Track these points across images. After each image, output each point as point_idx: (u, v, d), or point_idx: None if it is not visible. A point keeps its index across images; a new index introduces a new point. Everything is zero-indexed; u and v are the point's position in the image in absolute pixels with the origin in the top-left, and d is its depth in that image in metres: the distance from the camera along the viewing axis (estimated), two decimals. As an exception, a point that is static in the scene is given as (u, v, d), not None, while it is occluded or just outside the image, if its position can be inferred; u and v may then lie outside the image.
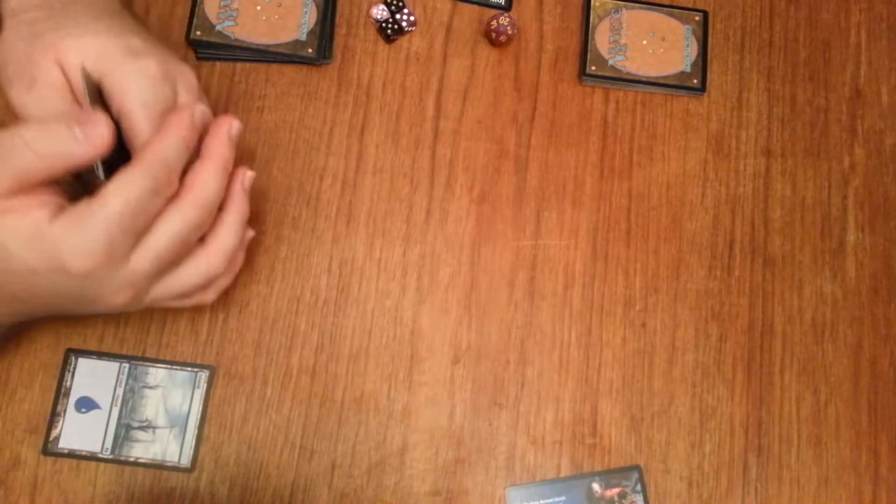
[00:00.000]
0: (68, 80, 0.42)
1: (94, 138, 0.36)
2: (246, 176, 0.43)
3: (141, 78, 0.41)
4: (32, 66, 0.41)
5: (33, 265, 0.37)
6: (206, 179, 0.41)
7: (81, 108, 0.42)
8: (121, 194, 0.37)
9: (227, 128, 0.42)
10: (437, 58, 0.57)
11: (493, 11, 0.57)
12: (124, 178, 0.37)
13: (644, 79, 0.57)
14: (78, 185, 0.40)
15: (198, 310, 0.51)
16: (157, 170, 0.38)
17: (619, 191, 0.56)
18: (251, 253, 0.52)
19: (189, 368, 0.50)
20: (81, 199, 0.38)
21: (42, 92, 0.41)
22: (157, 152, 0.38)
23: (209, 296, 0.45)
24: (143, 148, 0.38)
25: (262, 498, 0.49)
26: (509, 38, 0.56)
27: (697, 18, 0.59)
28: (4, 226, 0.36)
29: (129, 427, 0.49)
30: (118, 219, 0.37)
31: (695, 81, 0.58)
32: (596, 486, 0.51)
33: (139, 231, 0.39)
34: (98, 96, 0.40)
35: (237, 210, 0.43)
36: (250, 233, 0.45)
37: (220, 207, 0.42)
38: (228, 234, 0.44)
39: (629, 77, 0.57)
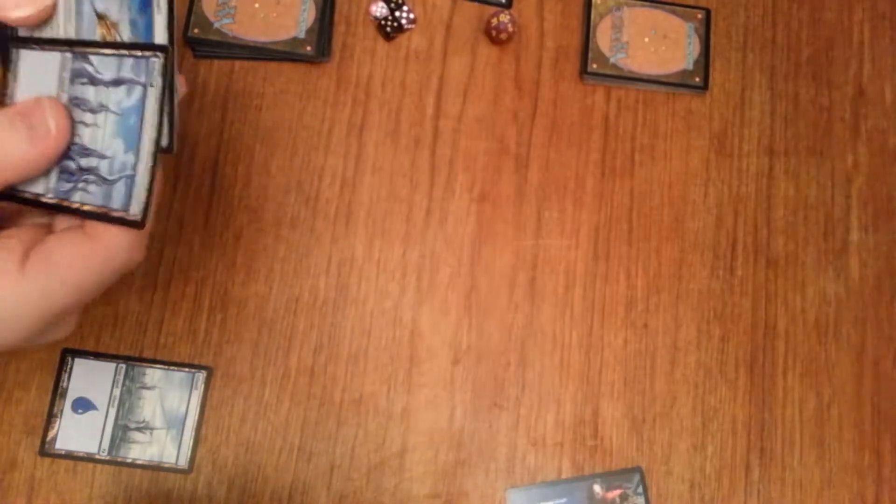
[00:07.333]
0: None
1: (43, 138, 0.28)
2: None
3: None
4: None
5: None
6: None
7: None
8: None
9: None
10: (438, 56, 0.56)
11: (494, 9, 0.56)
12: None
13: (646, 77, 0.57)
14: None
15: (195, 310, 0.50)
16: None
17: (620, 190, 0.56)
18: (250, 252, 0.51)
19: (186, 369, 0.49)
20: (31, 254, 0.31)
21: None
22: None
23: None
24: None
25: (260, 500, 0.48)
26: (510, 36, 0.56)
27: (700, 16, 0.58)
28: None
29: (126, 428, 0.48)
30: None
31: (697, 79, 0.57)
32: (597, 488, 0.50)
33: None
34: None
35: None
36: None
37: None
38: None
39: (630, 75, 0.57)
